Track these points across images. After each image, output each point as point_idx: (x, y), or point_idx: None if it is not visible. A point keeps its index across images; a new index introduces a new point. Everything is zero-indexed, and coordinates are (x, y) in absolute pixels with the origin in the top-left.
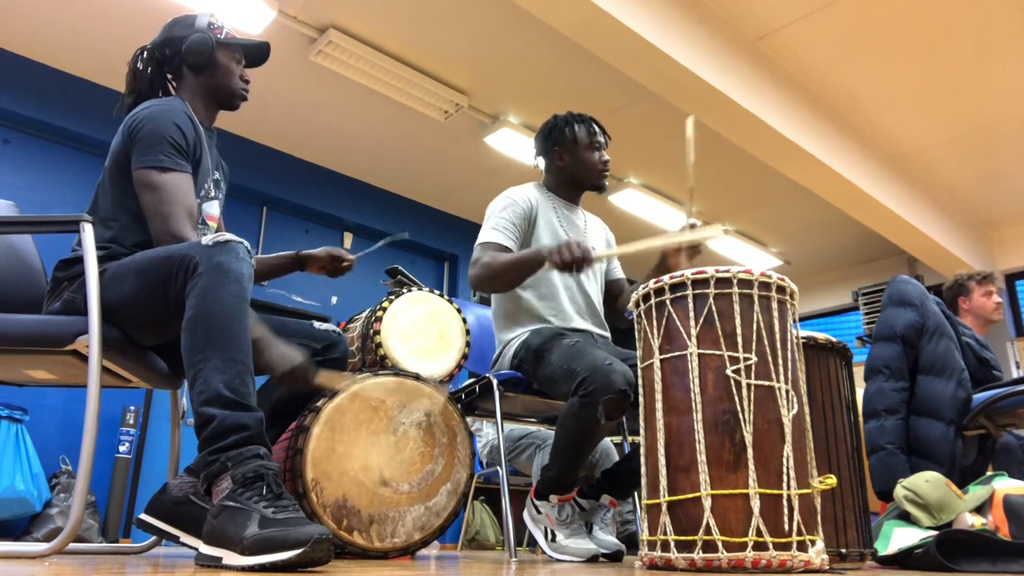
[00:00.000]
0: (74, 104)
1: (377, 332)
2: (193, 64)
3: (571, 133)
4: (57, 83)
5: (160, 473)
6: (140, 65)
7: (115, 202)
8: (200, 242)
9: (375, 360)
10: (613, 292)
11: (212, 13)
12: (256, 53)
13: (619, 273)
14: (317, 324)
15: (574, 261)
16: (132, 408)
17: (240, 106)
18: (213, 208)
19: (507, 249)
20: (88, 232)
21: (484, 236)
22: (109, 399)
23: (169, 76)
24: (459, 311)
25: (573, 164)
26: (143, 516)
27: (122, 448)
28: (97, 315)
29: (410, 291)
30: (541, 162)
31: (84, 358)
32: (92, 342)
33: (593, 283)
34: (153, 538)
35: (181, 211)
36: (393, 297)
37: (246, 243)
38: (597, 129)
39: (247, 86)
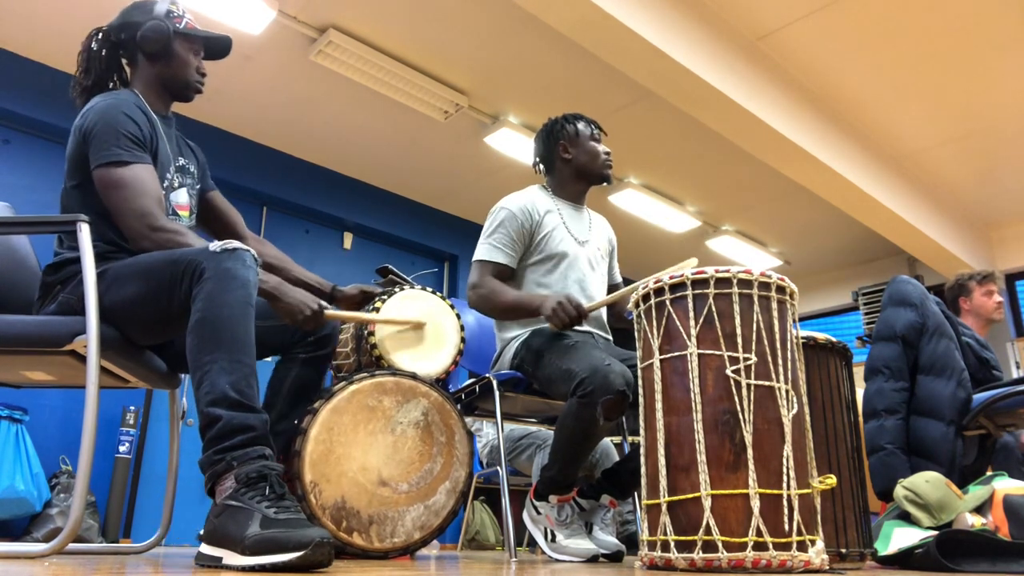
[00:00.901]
0: (74, 104)
1: (372, 332)
2: (148, 52)
3: (572, 127)
4: (57, 83)
5: (160, 473)
6: (95, 46)
7: (84, 204)
8: (208, 248)
9: (371, 360)
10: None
11: (174, 1)
12: (216, 46)
13: (618, 277)
14: None
15: (571, 320)
16: (132, 408)
17: (194, 98)
18: (181, 197)
19: (505, 267)
20: (85, 232)
21: (481, 253)
22: (109, 399)
23: (124, 61)
24: (452, 307)
25: (579, 155)
26: None
27: (122, 448)
28: (95, 315)
29: (402, 290)
30: (542, 166)
31: (82, 358)
32: (90, 342)
33: (597, 283)
34: (153, 538)
35: (152, 203)
36: (386, 296)
37: (253, 251)
38: (594, 125)
39: (203, 79)
